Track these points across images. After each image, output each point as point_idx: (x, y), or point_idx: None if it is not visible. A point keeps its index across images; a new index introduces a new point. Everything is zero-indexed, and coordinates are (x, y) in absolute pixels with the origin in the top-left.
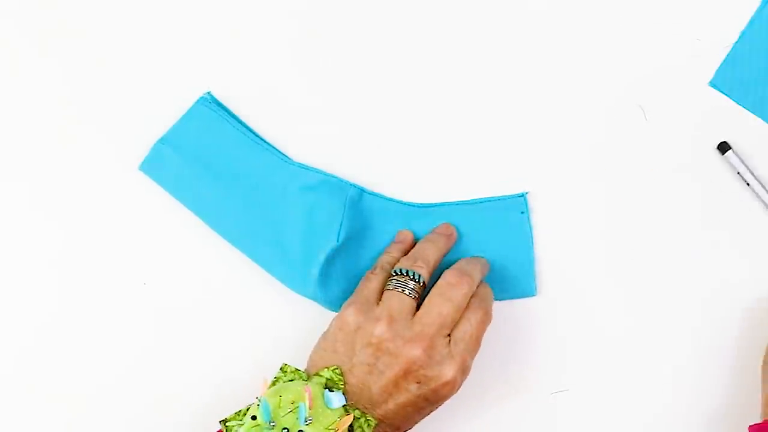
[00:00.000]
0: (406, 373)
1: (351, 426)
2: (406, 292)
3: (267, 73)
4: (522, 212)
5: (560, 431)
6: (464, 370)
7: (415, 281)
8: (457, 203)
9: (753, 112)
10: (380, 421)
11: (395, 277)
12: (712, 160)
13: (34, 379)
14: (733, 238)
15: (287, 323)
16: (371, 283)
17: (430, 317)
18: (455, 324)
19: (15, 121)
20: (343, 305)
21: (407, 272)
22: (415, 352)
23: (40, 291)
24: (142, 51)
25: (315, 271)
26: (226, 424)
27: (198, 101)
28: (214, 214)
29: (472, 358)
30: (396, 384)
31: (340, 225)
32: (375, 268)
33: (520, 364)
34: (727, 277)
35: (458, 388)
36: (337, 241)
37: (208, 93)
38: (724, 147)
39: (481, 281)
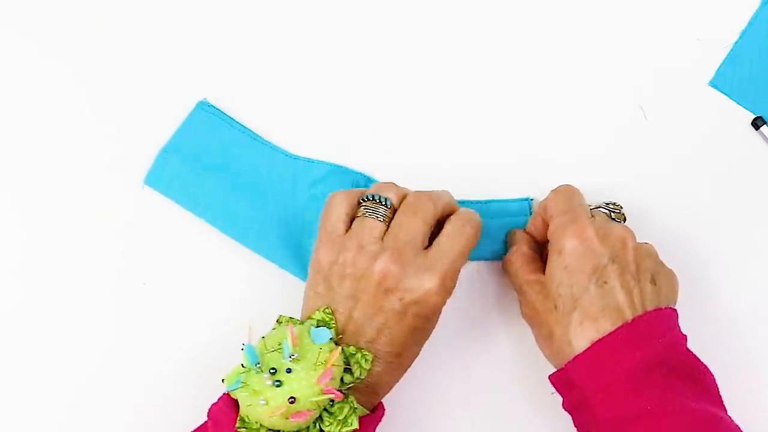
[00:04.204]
0: (386, 291)
1: (348, 364)
2: (378, 217)
3: (258, 76)
4: (526, 215)
5: (560, 431)
6: (444, 280)
7: (384, 206)
8: (463, 202)
9: (753, 112)
10: (378, 353)
11: (365, 204)
12: (711, 162)
13: (34, 379)
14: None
15: None
16: (334, 211)
17: (395, 232)
18: (431, 239)
19: (14, 128)
20: (314, 245)
21: (377, 198)
22: (385, 264)
23: (40, 291)
24: (131, 63)
25: None
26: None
27: (196, 107)
28: (225, 216)
29: (454, 271)
30: (378, 306)
31: None
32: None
33: (520, 363)
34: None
35: (445, 298)
36: None
37: (204, 99)
38: (757, 123)
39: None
